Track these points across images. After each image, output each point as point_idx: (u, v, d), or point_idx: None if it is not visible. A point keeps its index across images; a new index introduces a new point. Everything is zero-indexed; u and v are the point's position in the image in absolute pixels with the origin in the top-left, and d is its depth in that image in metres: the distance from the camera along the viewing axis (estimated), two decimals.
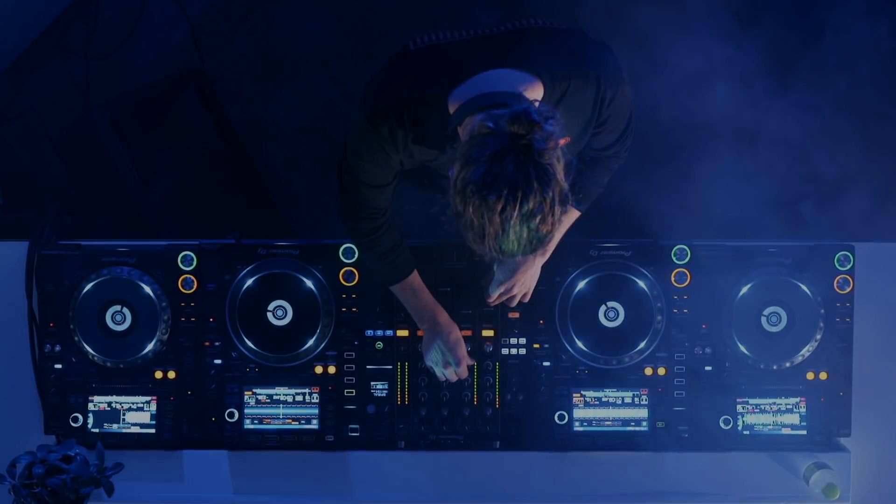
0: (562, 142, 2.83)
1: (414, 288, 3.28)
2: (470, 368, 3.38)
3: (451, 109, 2.80)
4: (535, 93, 2.80)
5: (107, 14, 4.26)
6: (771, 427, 3.45)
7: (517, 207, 2.55)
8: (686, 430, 3.44)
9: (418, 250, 3.31)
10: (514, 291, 3.32)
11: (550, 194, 2.58)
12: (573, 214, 3.20)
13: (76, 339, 3.41)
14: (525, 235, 2.59)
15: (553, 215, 2.60)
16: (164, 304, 3.42)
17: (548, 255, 3.24)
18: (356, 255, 3.40)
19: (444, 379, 3.36)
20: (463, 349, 3.33)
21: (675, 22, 3.78)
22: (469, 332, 3.42)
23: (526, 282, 3.31)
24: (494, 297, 3.32)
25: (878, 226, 3.63)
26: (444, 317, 3.31)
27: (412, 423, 3.44)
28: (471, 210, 2.59)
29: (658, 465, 3.44)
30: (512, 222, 2.57)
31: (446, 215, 2.59)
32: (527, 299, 3.36)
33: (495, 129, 2.59)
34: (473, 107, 2.70)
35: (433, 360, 3.33)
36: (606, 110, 2.94)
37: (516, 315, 3.42)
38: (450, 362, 3.32)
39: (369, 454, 3.44)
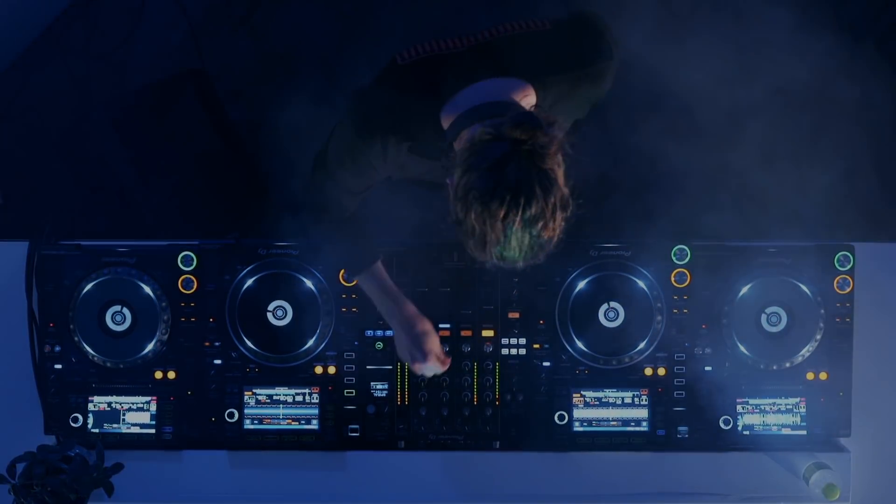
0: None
1: (378, 279, 3.21)
2: (448, 361, 3.27)
3: (445, 124, 2.79)
4: (528, 98, 2.80)
5: (107, 14, 4.26)
6: (771, 427, 3.45)
7: (519, 213, 2.54)
8: (686, 430, 3.44)
9: (418, 250, 3.31)
10: None
11: (552, 200, 2.56)
12: None
13: (76, 339, 3.41)
14: (527, 242, 2.58)
15: (555, 221, 2.58)
16: (164, 304, 3.42)
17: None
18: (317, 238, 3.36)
19: (419, 373, 3.25)
20: (430, 342, 3.20)
21: (670, 20, 3.78)
22: (469, 332, 3.42)
23: None
24: None
25: (879, 226, 3.63)
26: (410, 309, 3.22)
27: (412, 423, 3.44)
28: (472, 217, 2.57)
29: (658, 465, 3.44)
30: (514, 228, 2.56)
31: (445, 223, 2.58)
32: None
33: (497, 135, 2.58)
34: (469, 119, 2.70)
35: (402, 355, 3.27)
36: (604, 92, 2.96)
37: (516, 315, 3.42)
38: (416, 358, 3.21)
39: (369, 454, 3.44)
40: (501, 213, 2.54)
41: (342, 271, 3.38)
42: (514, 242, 2.58)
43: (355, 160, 2.92)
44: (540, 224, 2.57)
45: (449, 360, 3.26)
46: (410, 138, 2.85)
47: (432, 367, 3.22)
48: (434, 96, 2.82)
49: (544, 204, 2.55)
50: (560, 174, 2.59)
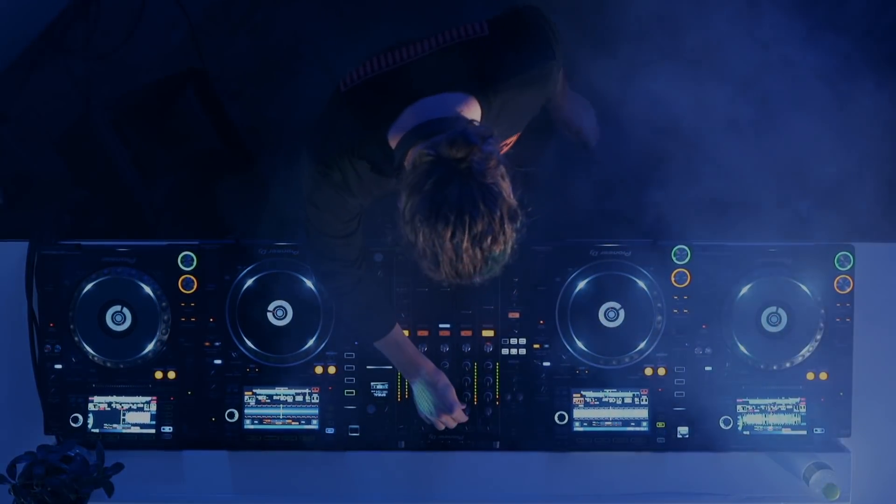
0: (511, 141, 2.83)
1: (397, 342, 3.28)
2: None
3: (393, 144, 2.79)
4: (473, 111, 2.79)
5: (107, 14, 4.25)
6: (771, 427, 3.45)
7: (466, 231, 2.56)
8: (686, 431, 3.44)
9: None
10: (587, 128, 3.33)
11: (498, 213, 2.58)
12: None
13: (76, 339, 3.41)
14: (479, 257, 2.60)
15: (504, 234, 2.60)
16: (164, 304, 3.42)
17: (566, 93, 3.25)
18: (338, 310, 3.39)
19: (442, 427, 3.34)
20: (453, 394, 3.29)
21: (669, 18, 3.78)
22: (469, 332, 3.42)
23: (585, 124, 3.32)
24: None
25: (879, 226, 3.63)
26: (429, 366, 3.30)
27: (412, 423, 3.44)
28: (422, 239, 2.60)
29: (658, 465, 3.44)
30: (464, 246, 2.57)
31: (400, 246, 2.60)
32: (594, 141, 3.36)
33: (435, 156, 2.59)
34: (413, 138, 2.72)
35: (426, 410, 3.32)
36: (552, 94, 2.97)
37: (516, 315, 3.42)
38: (443, 410, 3.29)
39: (369, 454, 3.44)
40: (448, 233, 2.56)
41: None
42: (467, 259, 2.59)
43: (325, 197, 2.93)
44: (489, 239, 2.58)
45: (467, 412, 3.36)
46: (366, 160, 2.86)
47: (458, 418, 3.31)
48: (379, 118, 2.82)
49: (490, 219, 2.57)
50: (505, 186, 2.60)
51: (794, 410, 3.45)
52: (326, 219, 2.97)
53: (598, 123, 3.35)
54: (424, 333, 3.42)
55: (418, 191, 2.58)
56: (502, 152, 2.65)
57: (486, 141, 2.59)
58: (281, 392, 3.44)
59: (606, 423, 3.45)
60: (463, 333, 3.40)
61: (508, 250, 2.62)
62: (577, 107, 3.33)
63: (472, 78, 2.82)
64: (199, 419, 3.44)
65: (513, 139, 3.02)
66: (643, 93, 3.74)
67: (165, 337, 3.43)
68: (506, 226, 2.59)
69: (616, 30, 3.78)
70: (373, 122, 2.82)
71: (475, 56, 2.88)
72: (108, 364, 3.43)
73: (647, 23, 3.80)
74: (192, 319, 3.44)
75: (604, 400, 3.45)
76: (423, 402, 3.31)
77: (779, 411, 3.45)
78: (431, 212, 2.57)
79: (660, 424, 3.44)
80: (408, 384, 3.40)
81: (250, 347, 3.42)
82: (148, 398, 3.45)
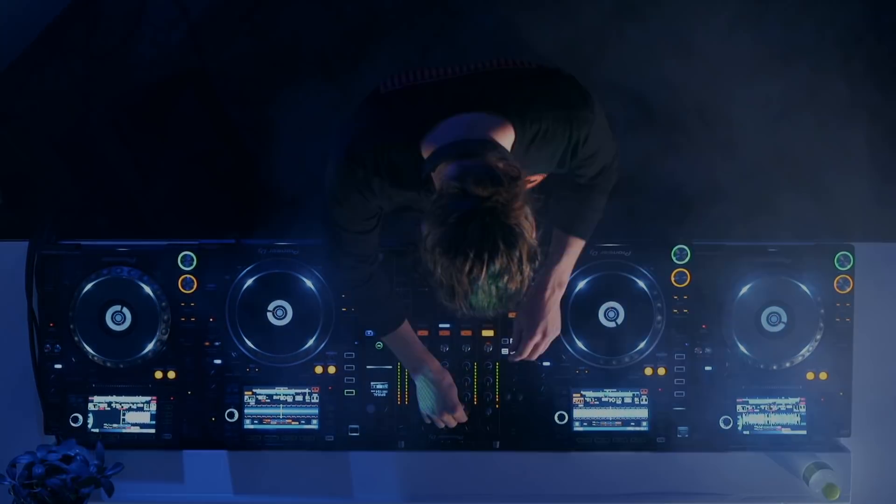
0: (537, 178, 2.84)
1: (405, 338, 3.29)
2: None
3: (425, 154, 2.81)
4: (507, 136, 2.81)
5: (107, 14, 4.25)
6: (771, 427, 3.45)
7: (484, 269, 2.58)
8: (686, 430, 3.44)
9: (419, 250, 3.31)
10: (537, 339, 3.29)
11: (517, 254, 2.60)
12: (578, 244, 3.20)
13: (76, 339, 3.42)
14: (494, 293, 2.62)
15: (522, 273, 2.62)
16: (164, 304, 3.42)
17: (564, 287, 3.25)
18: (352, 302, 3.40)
19: (442, 426, 3.35)
20: (455, 394, 3.32)
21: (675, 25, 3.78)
22: (469, 332, 3.42)
23: (549, 330, 3.29)
24: (525, 354, 3.30)
25: (879, 226, 3.63)
26: (434, 364, 3.31)
27: (412, 423, 3.44)
28: (440, 270, 2.62)
29: (658, 465, 3.44)
30: (480, 283, 2.60)
31: (418, 272, 2.60)
32: (542, 348, 3.32)
33: (461, 190, 2.61)
34: (444, 155, 2.73)
35: (428, 407, 3.33)
36: (582, 149, 2.94)
37: (516, 315, 3.42)
38: (445, 409, 3.31)
39: (369, 454, 3.44)
40: (467, 268, 2.59)
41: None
42: (482, 295, 2.62)
43: (346, 194, 2.94)
44: (506, 277, 2.61)
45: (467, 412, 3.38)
46: (393, 168, 2.88)
47: (459, 418, 3.33)
48: (415, 125, 2.84)
49: (509, 259, 2.59)
50: (527, 226, 2.62)
51: (794, 410, 3.45)
52: (347, 214, 2.98)
53: (538, 349, 3.33)
54: (424, 333, 3.42)
55: (441, 223, 2.61)
56: (528, 188, 2.67)
57: (514, 182, 2.62)
58: (281, 392, 3.44)
59: (606, 423, 3.45)
60: (463, 333, 3.40)
61: (524, 289, 2.66)
62: (546, 319, 3.29)
63: (512, 101, 2.85)
64: (199, 419, 3.44)
65: (539, 178, 3.02)
66: (642, 92, 3.75)
67: (165, 337, 3.43)
68: (524, 266, 2.62)
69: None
70: (408, 128, 2.85)
71: (518, 82, 2.92)
72: (108, 364, 3.43)
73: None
74: (192, 319, 3.44)
75: (604, 400, 3.45)
76: (426, 399, 3.32)
77: (779, 411, 3.45)
78: (452, 246, 2.59)
79: (660, 424, 3.44)
80: (409, 379, 3.41)
81: (250, 347, 3.42)
82: (148, 398, 3.45)
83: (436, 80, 2.95)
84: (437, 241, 2.61)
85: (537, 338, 3.27)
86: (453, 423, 3.34)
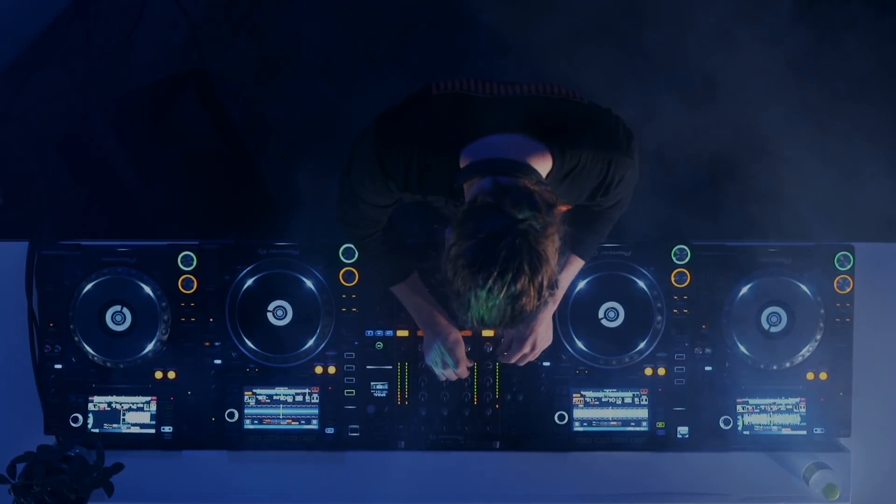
0: (562, 208, 2.85)
1: (414, 289, 3.28)
2: (470, 369, 3.39)
3: (462, 163, 2.82)
4: (544, 165, 2.82)
5: (107, 14, 4.26)
6: (771, 427, 3.45)
7: (504, 288, 2.60)
8: (686, 430, 3.44)
9: (419, 250, 3.31)
10: (526, 350, 3.30)
11: (539, 279, 2.62)
12: (578, 263, 3.21)
13: (76, 339, 3.42)
14: (508, 312, 2.64)
15: (540, 297, 2.64)
16: (164, 304, 3.42)
17: (557, 303, 3.27)
18: (356, 256, 3.41)
19: (443, 379, 3.36)
20: (462, 350, 3.32)
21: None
22: (469, 333, 3.42)
23: (538, 343, 3.31)
24: (512, 361, 3.31)
25: (879, 226, 3.63)
26: (443, 318, 3.31)
27: (412, 423, 3.44)
28: (459, 281, 2.63)
29: (658, 465, 3.44)
30: (497, 301, 2.61)
31: (436, 278, 2.62)
32: (531, 359, 3.34)
33: (496, 206, 2.62)
34: (481, 170, 2.74)
35: (432, 360, 3.33)
36: (615, 189, 2.96)
37: None
38: (448, 363, 3.32)
39: (369, 454, 3.44)
40: (487, 285, 2.60)
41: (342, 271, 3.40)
42: (496, 312, 2.64)
43: (373, 179, 2.95)
44: (523, 300, 2.63)
45: (471, 367, 3.39)
46: (425, 168, 2.88)
47: (461, 374, 3.33)
48: (459, 132, 2.85)
49: (530, 282, 2.61)
50: (552, 255, 2.64)
51: (794, 410, 3.45)
52: (368, 191, 2.98)
53: (526, 359, 3.34)
54: (424, 333, 3.41)
55: (469, 235, 2.62)
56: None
57: (550, 209, 2.63)
58: (281, 392, 3.44)
59: (606, 423, 3.45)
60: (463, 334, 3.40)
61: (536, 310, 2.67)
62: (537, 332, 3.29)
63: (556, 131, 2.85)
64: (199, 419, 3.44)
65: (564, 208, 3.03)
66: (642, 92, 3.75)
67: (165, 337, 3.43)
68: (543, 291, 2.64)
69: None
70: (452, 137, 2.86)
71: (566, 113, 2.93)
72: (108, 364, 3.43)
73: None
74: (192, 319, 3.44)
75: (604, 400, 3.45)
76: (433, 352, 3.32)
77: (779, 411, 3.45)
78: (477, 260, 2.60)
79: (660, 424, 3.44)
80: (409, 379, 3.41)
81: (250, 347, 3.42)
82: (148, 398, 3.45)
83: (488, 95, 2.95)
84: (461, 253, 2.62)
85: (526, 349, 3.28)
86: (454, 378, 3.35)
